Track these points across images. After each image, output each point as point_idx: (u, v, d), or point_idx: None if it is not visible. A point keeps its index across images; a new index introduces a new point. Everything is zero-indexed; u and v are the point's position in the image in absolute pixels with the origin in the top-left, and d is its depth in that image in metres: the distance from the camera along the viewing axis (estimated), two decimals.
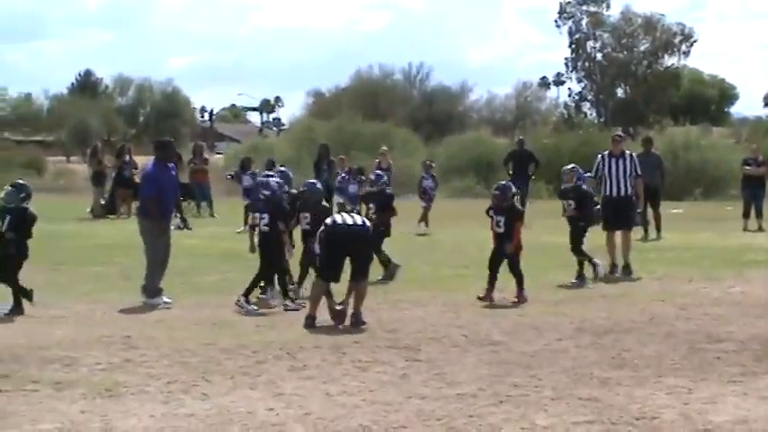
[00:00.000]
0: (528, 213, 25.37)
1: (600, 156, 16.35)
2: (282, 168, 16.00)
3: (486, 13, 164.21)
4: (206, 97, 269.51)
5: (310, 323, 11.37)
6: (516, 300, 12.96)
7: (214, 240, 20.89)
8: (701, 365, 9.36)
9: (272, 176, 13.98)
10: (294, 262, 13.50)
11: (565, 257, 15.15)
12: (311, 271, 12.90)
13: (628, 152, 16.42)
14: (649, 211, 20.67)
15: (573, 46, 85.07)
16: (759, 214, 24.19)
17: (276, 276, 12.93)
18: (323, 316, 11.54)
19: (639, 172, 16.20)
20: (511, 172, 26.81)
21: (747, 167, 24.90)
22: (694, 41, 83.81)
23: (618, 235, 15.88)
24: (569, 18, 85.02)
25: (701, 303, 12.89)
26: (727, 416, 7.64)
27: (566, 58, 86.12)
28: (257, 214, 12.98)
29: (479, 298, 12.91)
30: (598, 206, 16.62)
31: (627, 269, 15.64)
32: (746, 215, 24.14)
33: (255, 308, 12.45)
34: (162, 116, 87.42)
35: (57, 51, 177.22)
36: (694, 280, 14.98)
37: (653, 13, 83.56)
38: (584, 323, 11.53)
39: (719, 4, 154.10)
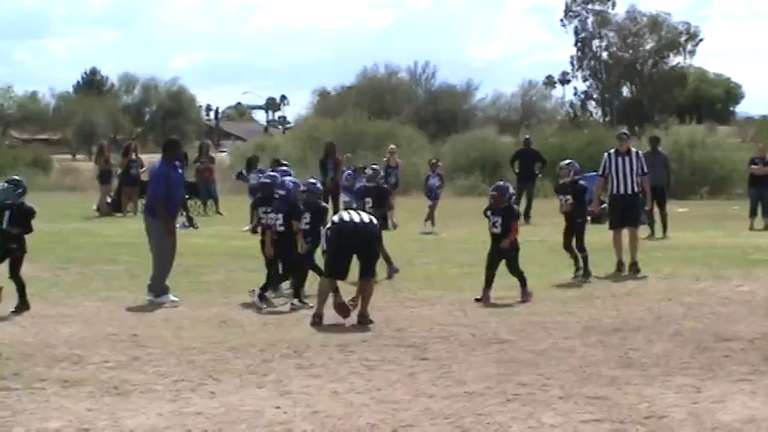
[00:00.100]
0: (535, 212, 25.52)
1: (607, 154, 16.33)
2: (284, 167, 15.99)
3: (491, 12, 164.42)
4: (211, 96, 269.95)
5: (317, 321, 11.36)
6: (522, 299, 12.94)
7: (220, 239, 20.89)
8: (709, 364, 9.34)
9: (274, 176, 13.95)
10: None
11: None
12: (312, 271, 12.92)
13: (634, 150, 16.41)
14: (655, 209, 20.64)
15: (578, 45, 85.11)
16: (765, 213, 24.14)
17: (289, 275, 12.90)
18: (330, 313, 11.54)
19: (646, 170, 16.19)
20: (517, 171, 26.83)
21: (754, 166, 24.84)
22: (700, 40, 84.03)
23: (625, 234, 15.86)
24: (575, 17, 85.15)
25: (708, 302, 12.87)
26: (736, 415, 7.63)
27: (571, 57, 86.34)
28: (272, 215, 12.93)
29: (477, 300, 12.87)
30: (605, 204, 16.65)
31: (634, 267, 15.62)
32: (753, 214, 24.09)
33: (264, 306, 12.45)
34: (168, 115, 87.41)
35: (62, 49, 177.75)
36: (701, 279, 14.95)
37: (659, 12, 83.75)
38: (591, 322, 11.51)
39: (725, 3, 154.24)
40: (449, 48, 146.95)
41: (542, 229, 21.87)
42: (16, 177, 12.95)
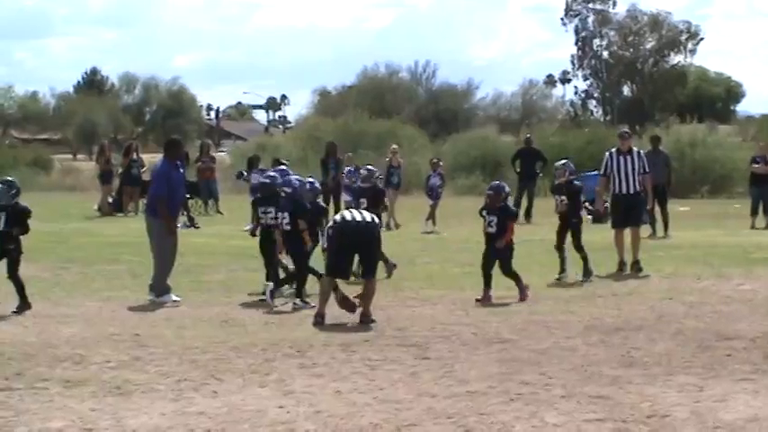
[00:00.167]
0: (535, 211, 25.51)
1: (608, 153, 16.31)
2: (283, 166, 15.97)
3: (492, 11, 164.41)
4: (212, 95, 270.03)
5: (319, 321, 11.36)
6: (521, 298, 12.93)
7: (221, 238, 20.90)
8: (711, 363, 9.34)
9: (273, 176, 13.91)
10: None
11: (573, 256, 15.10)
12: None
13: (636, 149, 16.40)
14: (657, 208, 20.64)
15: (579, 44, 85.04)
16: (767, 212, 24.14)
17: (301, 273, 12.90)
18: (332, 313, 11.54)
19: (648, 169, 16.19)
20: (518, 170, 26.83)
21: (756, 165, 24.84)
22: (701, 39, 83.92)
23: (627, 233, 15.86)
24: (576, 16, 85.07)
25: (709, 301, 12.87)
26: (738, 414, 7.62)
27: (572, 56, 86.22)
28: (279, 214, 12.92)
29: (477, 300, 12.87)
30: (607, 204, 16.64)
31: (637, 265, 15.62)
32: (754, 213, 24.09)
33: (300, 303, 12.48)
34: (168, 114, 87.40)
35: (63, 49, 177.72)
36: (703, 278, 14.95)
37: (659, 11, 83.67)
38: (593, 321, 11.51)
39: (726, 2, 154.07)
40: (449, 47, 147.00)
41: (542, 228, 21.83)
42: (9, 178, 12.91)
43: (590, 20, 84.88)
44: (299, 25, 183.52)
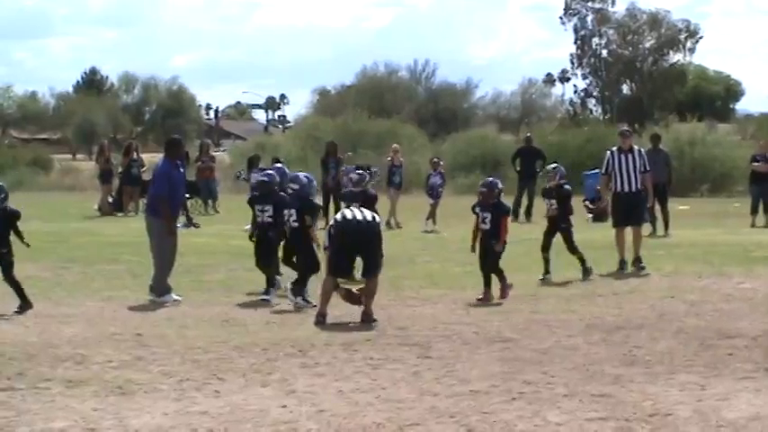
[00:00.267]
0: (535, 210, 25.49)
1: (609, 152, 16.32)
2: (279, 164, 15.96)
3: (491, 10, 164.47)
4: (211, 95, 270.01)
5: (321, 320, 11.36)
6: (501, 296, 12.92)
7: (222, 238, 20.90)
8: (713, 362, 9.34)
9: (271, 174, 13.90)
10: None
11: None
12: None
13: (636, 148, 16.40)
14: (657, 207, 20.64)
15: (578, 43, 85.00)
16: (767, 210, 24.15)
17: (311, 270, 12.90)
18: (334, 312, 11.54)
19: (648, 168, 16.19)
20: (518, 169, 26.83)
21: (756, 164, 24.85)
22: (700, 38, 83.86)
23: (628, 232, 15.86)
24: (574, 15, 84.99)
25: (710, 300, 12.87)
26: (741, 412, 7.62)
27: (571, 55, 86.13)
28: (286, 210, 12.91)
29: (479, 299, 12.88)
30: (607, 203, 16.63)
31: (638, 262, 15.61)
32: (754, 211, 24.10)
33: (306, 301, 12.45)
34: (168, 114, 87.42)
35: (62, 49, 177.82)
36: (703, 276, 14.96)
37: (658, 10, 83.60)
38: (594, 320, 11.51)
39: (725, 1, 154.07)
40: (449, 46, 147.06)
41: (541, 227, 21.81)
42: None
43: (589, 19, 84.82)
44: (298, 25, 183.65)
